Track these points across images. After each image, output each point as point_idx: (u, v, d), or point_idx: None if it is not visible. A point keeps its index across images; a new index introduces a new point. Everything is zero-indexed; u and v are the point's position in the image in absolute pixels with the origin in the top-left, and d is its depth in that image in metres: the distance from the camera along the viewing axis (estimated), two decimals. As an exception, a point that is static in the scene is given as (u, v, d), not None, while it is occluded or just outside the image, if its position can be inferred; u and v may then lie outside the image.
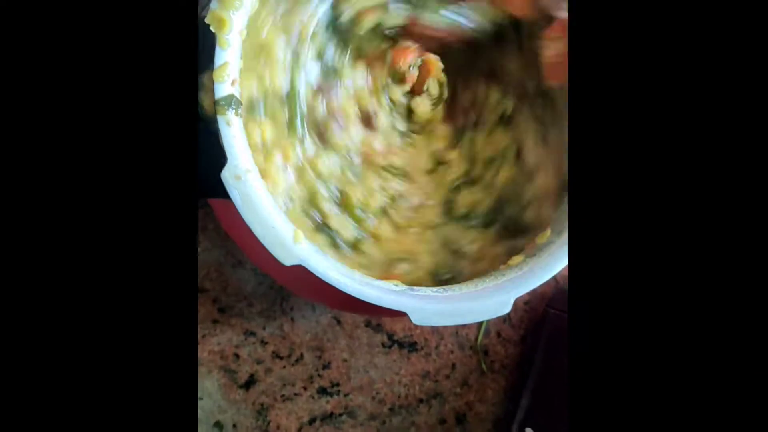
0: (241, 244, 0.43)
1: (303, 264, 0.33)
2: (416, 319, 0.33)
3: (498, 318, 0.53)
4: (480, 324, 0.53)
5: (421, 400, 0.53)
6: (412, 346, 0.53)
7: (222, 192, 0.34)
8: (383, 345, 0.53)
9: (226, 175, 0.33)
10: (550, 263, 0.35)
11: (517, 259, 0.37)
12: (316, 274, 0.33)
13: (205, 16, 0.36)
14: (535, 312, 0.54)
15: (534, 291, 0.36)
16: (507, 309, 0.33)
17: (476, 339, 0.53)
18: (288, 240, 0.33)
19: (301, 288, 0.44)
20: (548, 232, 0.37)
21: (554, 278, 0.55)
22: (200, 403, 0.51)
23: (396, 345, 0.53)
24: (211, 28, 0.35)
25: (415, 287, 0.35)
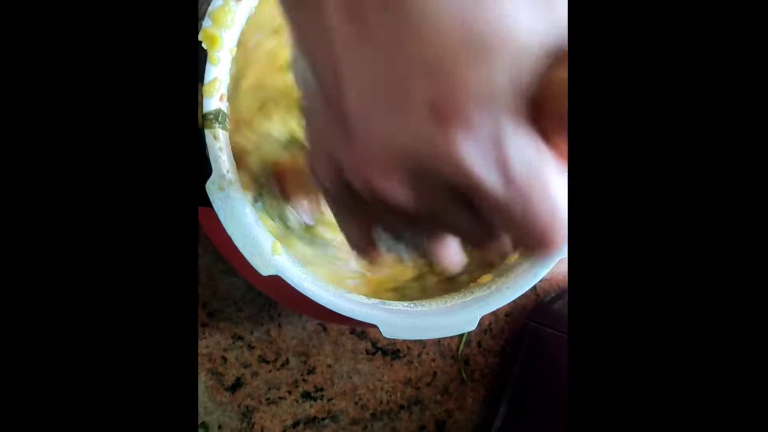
0: (225, 252, 0.44)
1: (279, 274, 0.35)
2: (386, 332, 0.34)
3: (479, 328, 0.55)
4: (462, 334, 0.55)
5: (402, 407, 0.54)
6: (395, 354, 0.54)
7: (206, 201, 0.36)
8: (367, 352, 0.54)
9: (211, 186, 0.35)
10: (517, 283, 0.36)
11: (486, 278, 0.39)
12: (292, 285, 0.35)
13: (197, 33, 0.37)
14: (515, 323, 0.55)
15: (514, 303, 0.37)
16: (472, 326, 0.34)
17: (458, 348, 0.55)
18: (266, 251, 0.35)
19: (282, 297, 0.46)
20: (516, 254, 0.39)
21: (534, 292, 0.56)
22: (188, 403, 0.53)
23: (379, 352, 0.54)
24: (203, 45, 0.36)
25: (386, 301, 0.37)
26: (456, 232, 0.25)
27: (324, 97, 0.22)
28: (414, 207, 0.23)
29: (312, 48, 0.21)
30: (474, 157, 0.20)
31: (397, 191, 0.22)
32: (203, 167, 0.36)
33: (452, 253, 0.27)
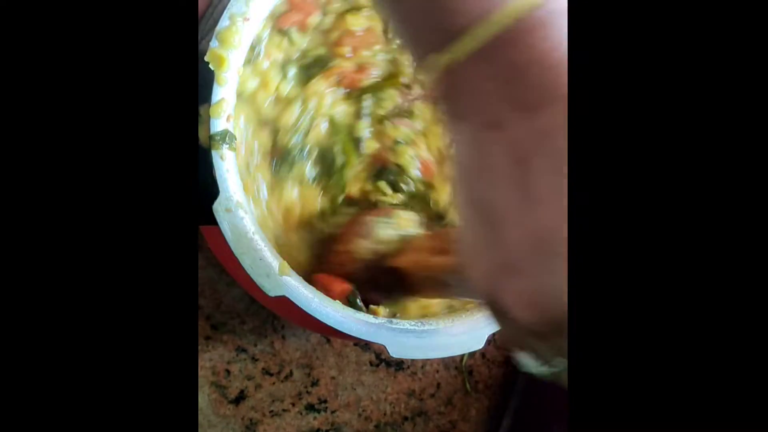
0: (231, 270, 0.44)
1: (287, 295, 0.35)
2: (393, 351, 0.34)
3: (483, 340, 0.55)
4: (465, 345, 0.55)
5: (406, 418, 0.54)
6: (399, 365, 0.54)
7: (214, 220, 0.36)
8: (371, 363, 0.54)
9: (218, 207, 0.35)
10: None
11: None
12: (299, 305, 0.35)
13: (203, 51, 0.37)
14: (519, 335, 0.55)
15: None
16: (480, 345, 0.35)
17: (461, 359, 0.55)
18: (274, 272, 0.35)
19: (287, 313, 0.46)
20: None
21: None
22: (192, 416, 0.53)
23: (383, 364, 0.54)
24: (210, 66, 0.36)
25: (393, 320, 0.37)
26: None
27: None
28: None
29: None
30: None
31: None
32: (210, 187, 0.37)
33: None
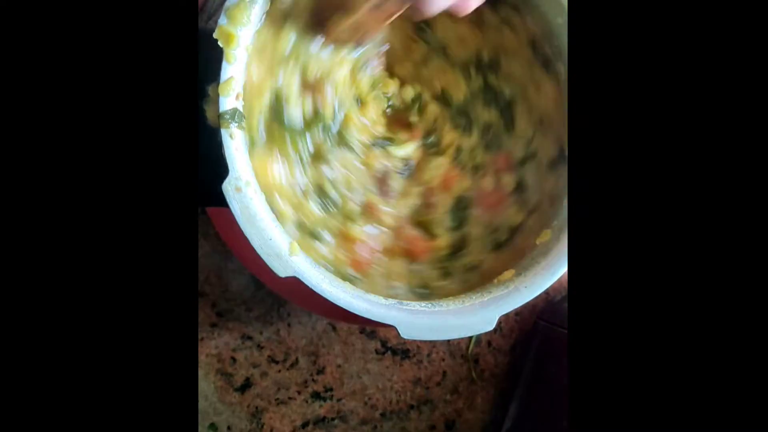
0: (238, 253, 0.44)
1: (297, 276, 0.35)
2: (404, 332, 0.34)
3: (489, 328, 0.55)
4: (471, 333, 0.55)
5: (411, 406, 0.54)
6: (405, 354, 0.54)
7: (222, 201, 0.35)
8: (377, 351, 0.54)
9: (227, 186, 0.35)
10: (536, 282, 0.36)
11: (506, 274, 0.38)
12: (309, 286, 0.35)
13: (211, 29, 0.37)
14: (525, 323, 0.55)
15: (525, 303, 0.37)
16: (491, 326, 0.34)
17: (467, 348, 0.55)
18: (284, 252, 0.35)
19: (295, 296, 0.46)
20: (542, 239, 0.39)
21: (545, 291, 0.56)
22: (197, 403, 0.53)
23: (389, 352, 0.54)
24: (219, 43, 0.36)
25: (404, 301, 0.37)
26: None
27: None
28: None
29: None
30: None
31: None
32: (218, 167, 0.36)
33: None
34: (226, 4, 0.35)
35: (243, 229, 0.34)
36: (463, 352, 0.55)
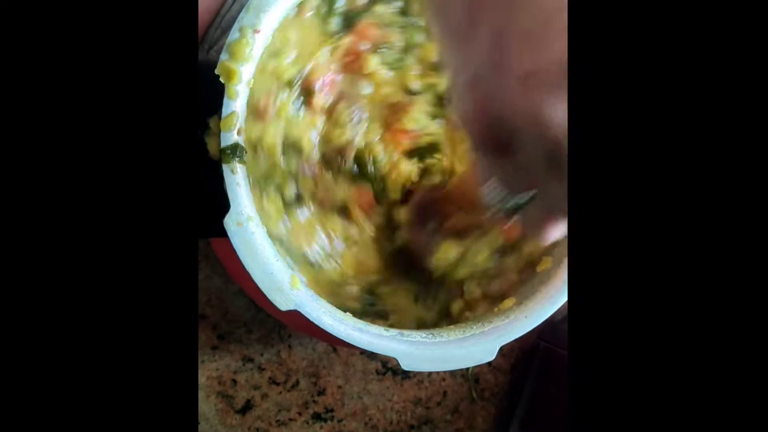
0: (241, 282, 0.44)
1: (298, 309, 0.35)
2: (405, 364, 0.34)
3: (489, 348, 0.55)
4: (471, 353, 0.55)
5: (412, 427, 0.54)
6: (405, 374, 0.54)
7: (224, 232, 0.36)
8: (377, 372, 0.54)
9: (228, 221, 0.35)
10: (536, 312, 0.37)
11: (507, 303, 0.39)
12: (310, 319, 0.35)
13: (212, 60, 0.37)
14: (525, 342, 0.55)
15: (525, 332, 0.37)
16: (492, 356, 0.35)
17: (468, 368, 0.55)
18: (285, 285, 0.35)
19: (296, 324, 0.46)
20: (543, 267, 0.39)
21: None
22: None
23: (390, 372, 0.54)
24: (221, 79, 0.36)
25: (405, 332, 0.37)
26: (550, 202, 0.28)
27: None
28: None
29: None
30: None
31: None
32: (220, 200, 0.36)
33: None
34: (228, 39, 0.35)
35: (244, 264, 0.35)
36: (464, 372, 0.55)
